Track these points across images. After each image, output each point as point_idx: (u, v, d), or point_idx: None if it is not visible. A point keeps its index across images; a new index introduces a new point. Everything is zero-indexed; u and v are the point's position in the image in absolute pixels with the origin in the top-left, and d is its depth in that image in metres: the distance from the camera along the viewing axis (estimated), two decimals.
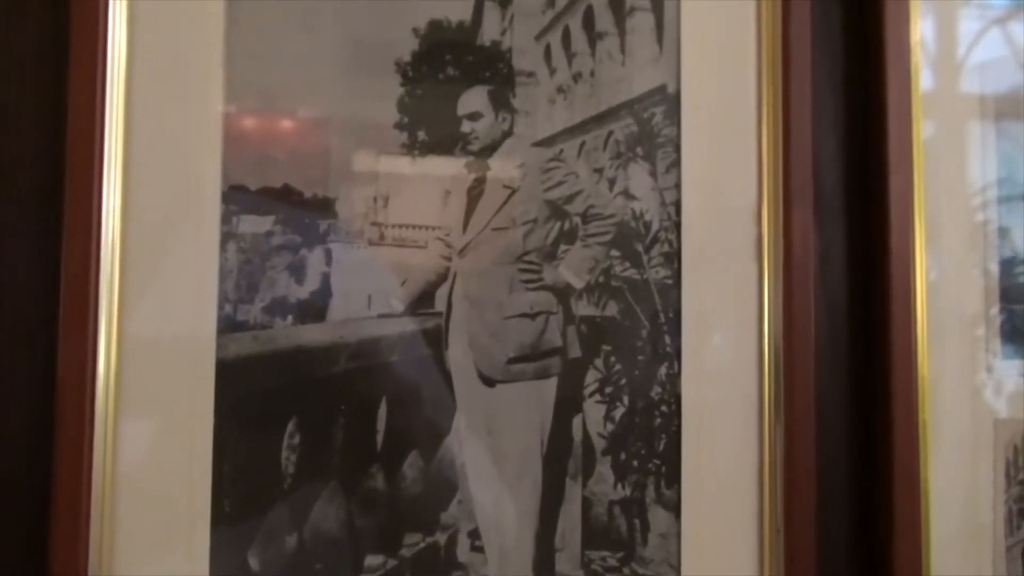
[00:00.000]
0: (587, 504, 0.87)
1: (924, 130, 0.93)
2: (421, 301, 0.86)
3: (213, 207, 0.83)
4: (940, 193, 0.94)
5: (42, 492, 0.77)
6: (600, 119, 0.90)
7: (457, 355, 0.86)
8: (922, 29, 0.95)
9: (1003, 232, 0.97)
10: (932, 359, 0.91)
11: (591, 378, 0.88)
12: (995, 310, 0.96)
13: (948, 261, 0.94)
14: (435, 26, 0.87)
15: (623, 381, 0.88)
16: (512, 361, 0.87)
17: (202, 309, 0.82)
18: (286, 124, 0.85)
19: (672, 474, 0.88)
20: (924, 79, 0.95)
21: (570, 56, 0.90)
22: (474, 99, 0.88)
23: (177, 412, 0.81)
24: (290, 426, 0.83)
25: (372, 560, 0.83)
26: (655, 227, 0.89)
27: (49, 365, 0.77)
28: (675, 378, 0.89)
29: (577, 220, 0.89)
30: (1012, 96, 0.99)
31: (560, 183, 0.89)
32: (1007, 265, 0.97)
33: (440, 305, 0.86)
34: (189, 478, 0.80)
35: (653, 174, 0.90)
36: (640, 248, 0.89)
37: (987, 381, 0.95)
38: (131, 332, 0.79)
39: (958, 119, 0.98)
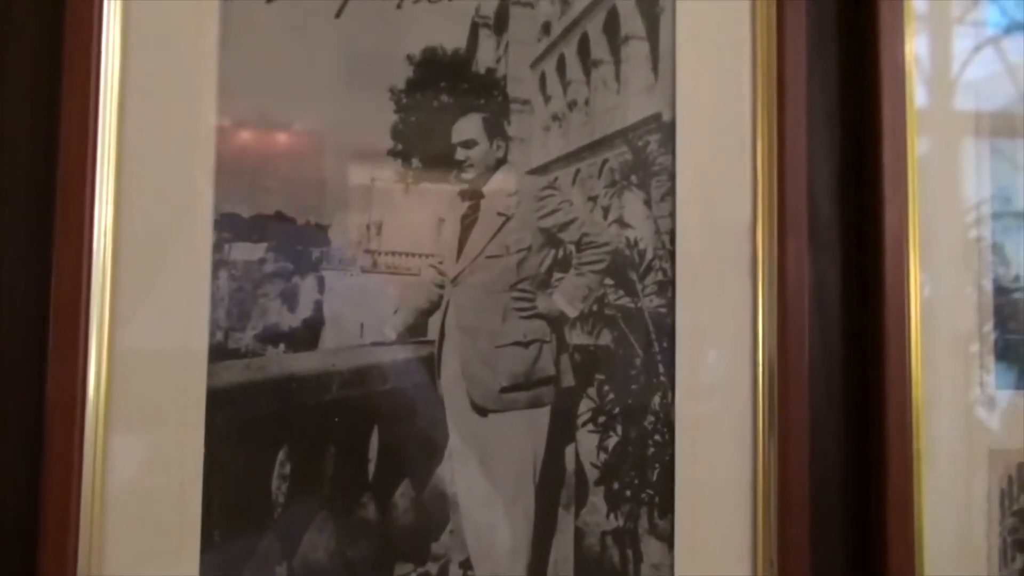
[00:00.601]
0: (580, 534, 0.86)
1: (918, 147, 0.93)
2: (414, 329, 0.86)
3: (205, 234, 0.82)
4: (934, 210, 0.94)
5: (30, 516, 0.77)
6: (595, 147, 0.89)
7: (450, 383, 0.86)
8: (916, 47, 0.95)
9: (997, 249, 0.97)
10: (926, 376, 0.91)
11: (584, 407, 0.87)
12: (989, 327, 0.96)
13: (942, 278, 0.94)
14: (430, 53, 0.87)
15: (616, 410, 0.88)
16: (505, 390, 0.86)
17: (193, 337, 0.81)
18: (279, 151, 0.85)
19: (665, 504, 0.87)
20: (918, 96, 0.95)
21: (565, 84, 0.90)
22: (468, 126, 0.87)
23: (167, 441, 0.80)
24: (281, 455, 0.82)
25: None
26: (649, 255, 0.89)
27: (39, 392, 0.77)
28: (669, 407, 0.88)
29: (571, 248, 0.88)
30: (1006, 113, 1.00)
31: (554, 211, 0.88)
32: (1001, 282, 0.97)
33: (433, 333, 0.86)
34: (179, 506, 0.80)
35: (648, 202, 0.90)
36: (634, 276, 0.89)
37: (981, 398, 0.95)
38: (121, 360, 0.79)
39: (952, 136, 0.98)
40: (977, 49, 1.00)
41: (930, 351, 0.92)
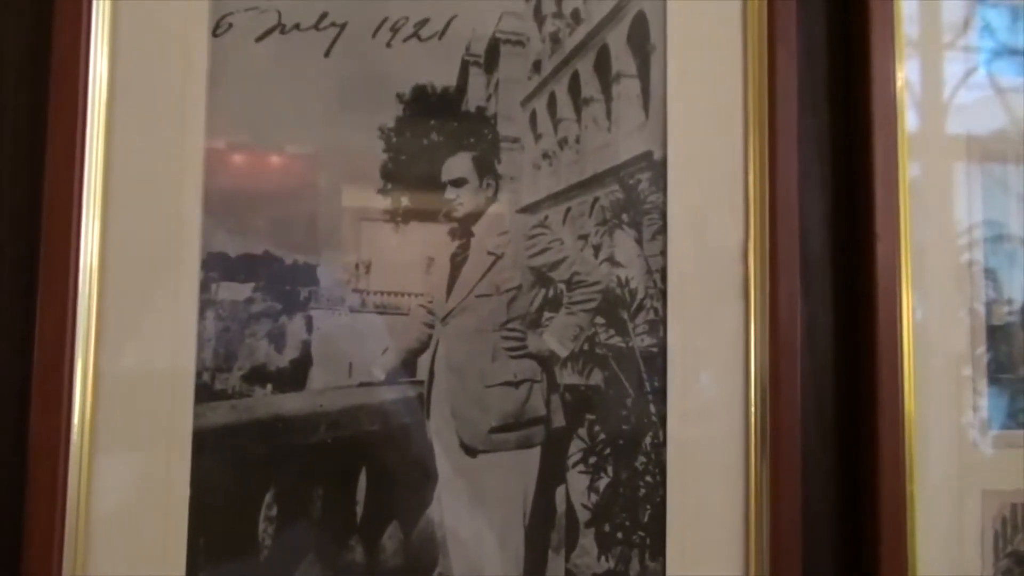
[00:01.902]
0: None
1: (910, 171, 0.93)
2: (403, 369, 0.85)
3: (191, 274, 0.81)
4: (926, 234, 0.94)
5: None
6: (586, 185, 0.89)
7: (439, 424, 0.85)
8: (907, 72, 0.95)
9: (989, 273, 0.97)
10: (918, 400, 0.91)
11: (575, 448, 0.87)
12: (981, 350, 0.95)
13: (934, 301, 0.94)
14: (419, 91, 0.86)
15: (608, 451, 0.87)
16: (495, 430, 0.86)
17: (179, 378, 0.80)
18: (267, 189, 0.84)
19: (657, 546, 0.86)
20: (910, 121, 0.95)
21: (556, 122, 0.89)
22: (458, 165, 0.87)
23: (152, 484, 0.79)
24: (268, 497, 0.81)
25: None
26: (640, 294, 0.89)
27: (21, 441, 0.76)
28: (660, 448, 0.87)
29: (562, 287, 0.88)
30: (997, 137, 1.00)
31: (545, 250, 0.88)
32: (993, 305, 0.96)
33: (422, 373, 0.85)
34: (164, 549, 0.78)
35: (639, 241, 0.89)
36: (625, 316, 0.88)
37: (974, 421, 0.94)
38: (105, 403, 0.78)
39: (944, 161, 0.98)
40: (968, 74, 1.00)
41: (922, 375, 0.91)
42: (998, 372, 0.96)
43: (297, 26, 0.85)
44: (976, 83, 1.00)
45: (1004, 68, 1.01)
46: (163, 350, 0.80)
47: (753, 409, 0.88)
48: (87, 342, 0.78)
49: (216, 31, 0.83)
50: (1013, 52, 1.02)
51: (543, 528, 0.85)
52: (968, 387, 0.95)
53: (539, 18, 0.89)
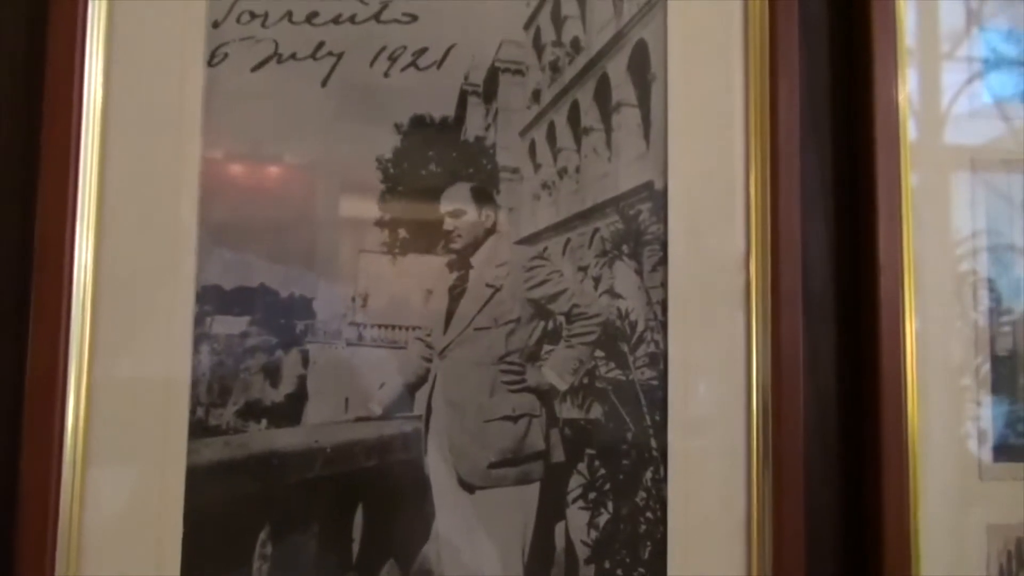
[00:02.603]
0: None
1: (911, 181, 0.93)
2: (400, 404, 0.84)
3: (186, 308, 0.80)
4: (927, 244, 0.93)
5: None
6: (585, 216, 0.88)
7: (436, 460, 0.84)
8: (909, 82, 0.95)
9: (990, 283, 0.96)
10: (921, 409, 0.90)
11: (575, 483, 0.85)
12: (982, 360, 0.95)
13: (934, 311, 0.93)
14: (418, 121, 0.85)
15: (608, 486, 0.86)
16: (493, 466, 0.84)
17: (173, 414, 0.79)
18: (263, 221, 0.83)
19: None
20: (910, 131, 0.94)
21: (555, 152, 0.88)
22: (457, 196, 0.86)
23: (145, 522, 0.78)
24: (263, 534, 0.80)
25: None
26: (641, 327, 0.87)
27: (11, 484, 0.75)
28: (661, 483, 0.86)
29: (561, 320, 0.87)
30: (997, 147, 0.99)
31: (544, 282, 0.87)
32: (993, 315, 0.96)
33: (419, 408, 0.84)
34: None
35: (639, 272, 0.88)
36: (626, 348, 0.87)
37: (974, 431, 0.94)
38: (96, 442, 0.77)
39: (944, 171, 0.97)
40: (967, 84, 0.99)
41: (924, 384, 0.91)
42: (998, 382, 0.95)
43: (294, 55, 0.84)
44: (975, 93, 1.00)
45: (1003, 78, 1.01)
46: (156, 386, 0.79)
47: (755, 424, 0.87)
48: (79, 378, 0.76)
49: (212, 61, 0.82)
50: (1012, 62, 1.01)
51: (542, 565, 0.84)
52: (968, 397, 0.94)
53: (539, 47, 0.88)
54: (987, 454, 0.94)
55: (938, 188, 0.96)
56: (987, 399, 0.94)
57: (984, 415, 0.94)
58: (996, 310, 0.96)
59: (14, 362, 0.77)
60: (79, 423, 0.77)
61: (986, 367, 0.95)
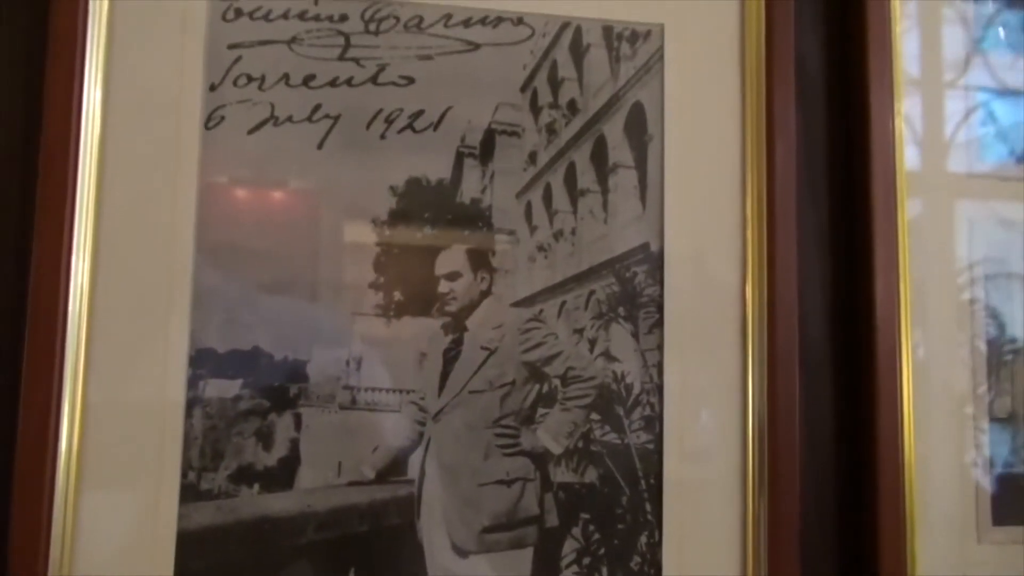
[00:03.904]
0: None
1: (910, 209, 0.93)
2: (393, 468, 0.83)
3: (179, 371, 0.80)
4: (927, 272, 0.93)
5: None
6: (581, 278, 0.88)
7: (430, 525, 0.83)
8: (908, 110, 0.95)
9: (990, 310, 0.96)
10: (919, 437, 0.90)
11: (569, 548, 0.85)
12: (983, 388, 0.94)
13: (935, 339, 0.93)
14: (414, 184, 0.85)
15: (602, 551, 0.85)
16: (487, 530, 0.84)
17: (164, 479, 0.79)
18: (257, 284, 0.83)
19: None
20: (911, 159, 0.95)
21: (551, 214, 0.88)
22: (452, 258, 0.86)
23: None
24: None
25: None
26: (637, 390, 0.87)
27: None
28: (656, 547, 0.85)
29: (556, 382, 0.86)
30: (998, 175, 0.99)
31: (539, 344, 0.86)
32: (995, 344, 0.95)
33: (413, 472, 0.83)
34: None
35: (635, 335, 0.88)
36: (621, 411, 0.87)
37: (976, 460, 0.93)
38: (88, 510, 0.76)
39: (944, 198, 0.97)
40: (967, 112, 0.99)
41: (923, 414, 0.90)
42: (1000, 410, 0.94)
43: (290, 118, 0.84)
44: (976, 120, 1.00)
45: (1004, 105, 1.01)
46: (148, 451, 0.78)
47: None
48: (69, 453, 0.76)
49: (208, 124, 0.82)
50: (1012, 91, 1.01)
51: None
52: (970, 425, 0.94)
53: (535, 109, 0.88)
54: (990, 483, 0.93)
55: (939, 216, 0.96)
56: (989, 427, 0.94)
57: (985, 442, 0.94)
58: (998, 338, 0.96)
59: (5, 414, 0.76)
60: (68, 499, 0.76)
61: (988, 395, 0.94)
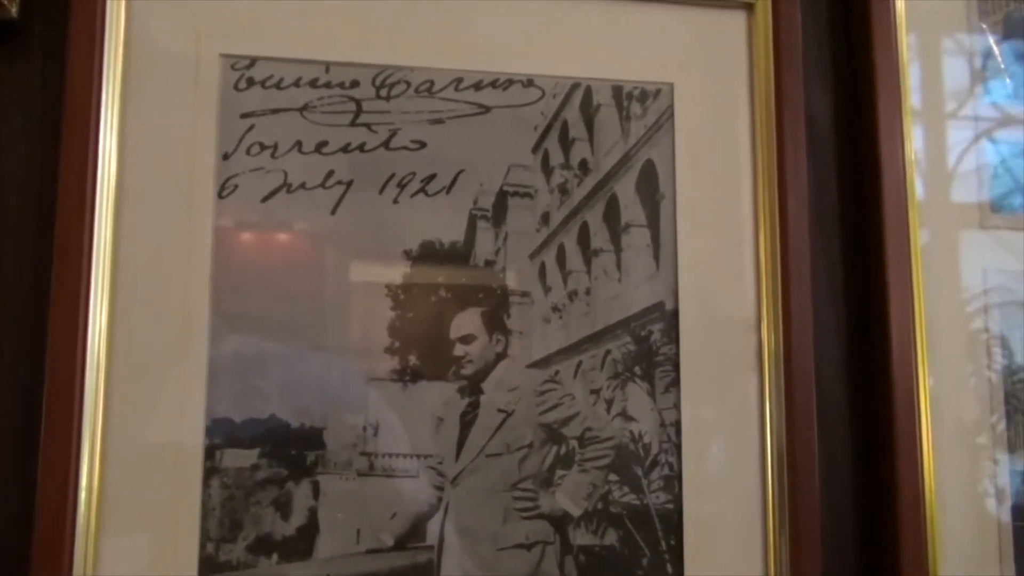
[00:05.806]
0: None
1: (920, 239, 0.93)
2: (412, 534, 0.83)
3: (195, 442, 0.79)
4: (938, 302, 0.93)
5: None
6: (597, 338, 0.87)
7: None
8: (914, 140, 0.95)
9: (1002, 340, 0.96)
10: (937, 469, 0.89)
11: None
12: (996, 418, 0.94)
13: (947, 369, 0.93)
14: (427, 247, 0.85)
15: None
16: None
17: (182, 551, 0.78)
18: (273, 354, 0.83)
19: None
20: (918, 189, 0.95)
21: (565, 274, 0.88)
22: (467, 321, 0.86)
23: None
24: None
25: None
26: (655, 449, 0.87)
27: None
28: None
29: (574, 444, 0.86)
30: (1004, 204, 0.99)
31: (556, 406, 0.86)
32: (1007, 373, 0.95)
33: (432, 538, 0.83)
34: None
35: (652, 394, 0.87)
36: (640, 472, 0.86)
37: (991, 489, 0.92)
38: None
39: (953, 228, 0.97)
40: (974, 141, 0.99)
41: (939, 443, 0.90)
42: (1014, 439, 0.94)
43: (303, 185, 0.84)
44: (982, 149, 1.00)
45: (1009, 134, 1.01)
46: (166, 525, 0.78)
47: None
48: (88, 524, 0.76)
49: (222, 193, 0.83)
50: (1018, 120, 1.01)
51: None
52: (985, 455, 0.93)
53: (547, 170, 0.89)
54: (1005, 513, 0.93)
55: (947, 245, 0.96)
56: (1004, 457, 0.93)
57: (1000, 472, 0.93)
58: (1009, 367, 0.95)
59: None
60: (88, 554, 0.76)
61: (1001, 425, 0.94)
